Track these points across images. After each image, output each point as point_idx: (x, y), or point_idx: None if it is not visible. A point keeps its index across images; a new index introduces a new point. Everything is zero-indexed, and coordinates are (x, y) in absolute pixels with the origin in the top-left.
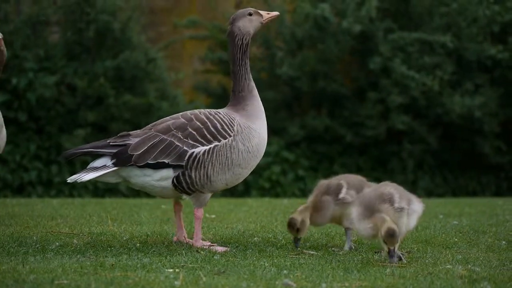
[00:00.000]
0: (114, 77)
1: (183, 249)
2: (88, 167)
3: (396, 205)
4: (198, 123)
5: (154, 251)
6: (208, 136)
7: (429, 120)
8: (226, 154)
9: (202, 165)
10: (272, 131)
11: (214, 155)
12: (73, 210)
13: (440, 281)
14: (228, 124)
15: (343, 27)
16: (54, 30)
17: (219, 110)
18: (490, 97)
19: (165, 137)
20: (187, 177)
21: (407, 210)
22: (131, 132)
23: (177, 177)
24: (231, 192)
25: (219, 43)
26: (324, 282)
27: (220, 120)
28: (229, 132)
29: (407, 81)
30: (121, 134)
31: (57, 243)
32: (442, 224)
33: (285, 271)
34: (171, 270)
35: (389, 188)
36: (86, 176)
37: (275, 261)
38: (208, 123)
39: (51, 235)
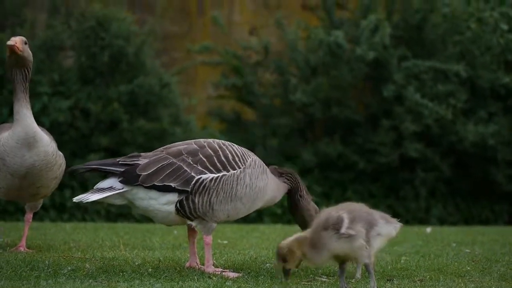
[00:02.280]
0: (128, 102)
1: (195, 275)
2: (95, 187)
3: (343, 230)
4: (210, 151)
5: (166, 276)
6: (218, 164)
7: (442, 148)
8: (232, 184)
9: (207, 192)
10: (285, 157)
11: (221, 184)
12: (85, 234)
13: None
14: (240, 156)
15: (357, 54)
16: (69, 54)
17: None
18: (503, 125)
19: (175, 160)
20: (190, 202)
21: (363, 234)
22: (141, 154)
23: (180, 201)
24: (244, 218)
25: (233, 68)
26: None
27: (233, 151)
28: (239, 164)
29: (421, 109)
30: (131, 154)
31: (69, 268)
32: (454, 252)
33: None
34: None
35: (341, 211)
36: (92, 197)
37: (291, 285)
38: (220, 152)
39: (63, 259)
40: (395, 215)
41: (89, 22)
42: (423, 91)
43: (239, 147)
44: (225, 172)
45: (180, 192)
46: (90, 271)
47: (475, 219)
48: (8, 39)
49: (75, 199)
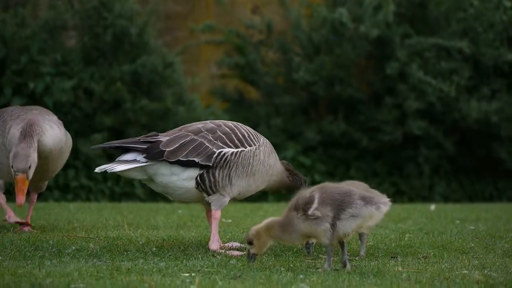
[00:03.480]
0: (131, 82)
1: (199, 254)
2: (118, 159)
3: (310, 212)
4: (227, 129)
5: (170, 255)
6: (236, 141)
7: (445, 125)
8: (249, 160)
9: (228, 165)
10: (289, 135)
11: (240, 158)
12: (89, 214)
13: (457, 287)
14: (254, 134)
15: (361, 32)
16: (71, 34)
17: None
18: (507, 102)
19: (196, 137)
20: (211, 175)
21: (329, 218)
22: (160, 133)
23: (201, 175)
24: (248, 197)
25: (236, 47)
26: (340, 287)
27: (247, 130)
28: (255, 141)
29: (424, 86)
30: (150, 134)
31: (74, 247)
32: (458, 229)
33: (301, 276)
34: (187, 274)
35: (315, 191)
36: (117, 167)
37: (291, 265)
38: (236, 130)
39: (68, 239)
40: (398, 192)
41: (91, 2)
42: (426, 69)
43: (249, 128)
44: (243, 148)
45: (201, 167)
46: (94, 250)
47: (478, 196)
48: (11, 19)
49: (97, 169)
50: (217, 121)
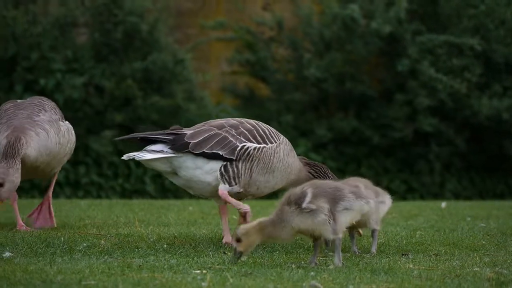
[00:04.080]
0: (142, 79)
1: (210, 251)
2: (145, 149)
3: (304, 205)
4: (249, 125)
5: (181, 252)
6: (258, 137)
7: (456, 122)
8: (270, 156)
9: (250, 159)
10: (299, 132)
11: (262, 154)
12: (100, 211)
13: (468, 284)
14: (274, 133)
15: (372, 28)
16: (82, 31)
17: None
18: None
19: (220, 131)
20: (234, 167)
21: (325, 209)
22: (183, 128)
23: (225, 166)
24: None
25: (246, 44)
26: (351, 284)
27: (268, 128)
28: (275, 139)
29: (435, 83)
30: (173, 127)
31: (85, 244)
32: (469, 226)
33: (312, 273)
34: (198, 271)
35: (306, 186)
36: (145, 156)
37: (302, 263)
38: (258, 127)
39: (79, 236)
40: (409, 189)
41: None
42: (437, 66)
43: (269, 126)
44: (264, 145)
45: (225, 160)
46: (106, 247)
47: (490, 193)
48: (22, 16)
49: (125, 156)
50: (238, 119)
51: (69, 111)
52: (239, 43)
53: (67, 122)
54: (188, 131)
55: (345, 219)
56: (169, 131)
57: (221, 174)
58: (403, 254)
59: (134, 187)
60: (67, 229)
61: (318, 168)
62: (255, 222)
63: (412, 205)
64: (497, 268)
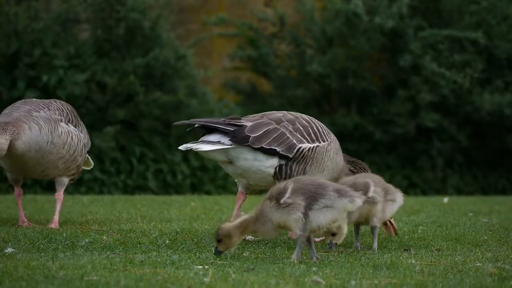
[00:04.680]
0: (144, 75)
1: (212, 246)
2: (202, 139)
3: (282, 200)
4: (304, 122)
5: (183, 248)
6: (313, 135)
7: (458, 118)
8: (322, 155)
9: (304, 161)
10: None
11: (315, 154)
12: (102, 207)
13: (470, 279)
14: (326, 130)
15: (375, 24)
16: (84, 27)
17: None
18: None
19: (278, 126)
20: (288, 168)
21: (301, 207)
22: (241, 117)
23: (280, 167)
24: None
25: (248, 40)
26: (354, 280)
27: (320, 125)
28: (327, 137)
29: (437, 78)
30: (232, 116)
31: (87, 240)
32: (471, 222)
33: (314, 268)
34: (201, 267)
35: (289, 182)
36: (203, 147)
37: (305, 258)
38: (312, 123)
39: (81, 231)
40: (411, 185)
41: None
42: (439, 61)
43: (320, 122)
44: (318, 143)
45: (281, 157)
46: (108, 243)
47: (492, 188)
48: (24, 12)
49: (182, 147)
50: (293, 113)
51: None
52: (241, 39)
53: (72, 126)
54: (247, 123)
55: (324, 217)
56: (228, 121)
57: (275, 173)
58: (405, 250)
59: (136, 183)
60: (69, 225)
61: (358, 165)
62: (237, 222)
63: (414, 200)
64: (499, 263)
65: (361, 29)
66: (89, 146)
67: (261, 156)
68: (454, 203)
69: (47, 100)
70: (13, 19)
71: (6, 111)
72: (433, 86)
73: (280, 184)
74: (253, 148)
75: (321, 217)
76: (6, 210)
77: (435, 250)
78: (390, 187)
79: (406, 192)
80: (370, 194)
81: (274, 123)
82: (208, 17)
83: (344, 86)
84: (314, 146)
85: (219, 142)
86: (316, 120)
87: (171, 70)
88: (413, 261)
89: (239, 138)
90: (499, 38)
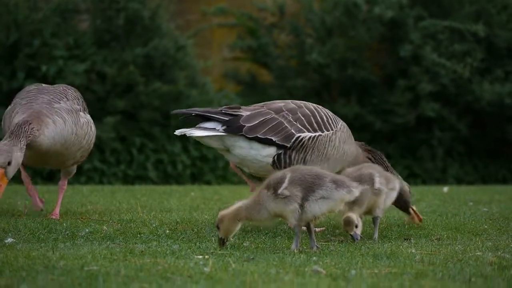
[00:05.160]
0: (144, 65)
1: (213, 236)
2: (198, 126)
3: (279, 191)
4: (307, 111)
5: (183, 237)
6: (315, 124)
7: (458, 107)
8: (325, 145)
9: (304, 150)
10: None
11: (317, 143)
12: (103, 197)
13: (470, 268)
14: (332, 119)
15: (375, 14)
16: (84, 18)
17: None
18: None
19: (276, 116)
20: (287, 157)
21: (298, 198)
22: (241, 106)
23: (278, 155)
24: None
25: (248, 30)
26: (354, 269)
27: (326, 113)
28: (333, 126)
29: (437, 68)
30: (232, 106)
31: (87, 230)
32: (472, 211)
33: (314, 258)
34: (201, 256)
35: (287, 172)
36: (196, 132)
37: (305, 248)
38: (316, 113)
39: (81, 222)
40: (412, 175)
41: None
42: (439, 51)
43: (329, 111)
44: (320, 133)
45: (278, 146)
46: (108, 233)
47: (492, 178)
48: (24, 3)
49: (177, 132)
50: (298, 102)
51: None
52: (241, 29)
53: (88, 115)
54: (245, 112)
55: (320, 208)
56: (225, 110)
57: (273, 162)
58: (405, 239)
59: (136, 173)
60: (69, 215)
61: (377, 155)
62: (232, 208)
63: (415, 190)
64: (499, 253)
65: (361, 19)
66: None
67: (256, 145)
68: (454, 192)
69: (60, 87)
70: (13, 10)
71: (22, 101)
72: (433, 76)
73: (278, 174)
74: (247, 138)
75: (316, 208)
76: (6, 200)
77: (435, 239)
78: (389, 175)
79: (406, 181)
80: (377, 185)
81: (273, 113)
82: (208, 7)
83: (344, 76)
84: (314, 135)
85: (214, 129)
86: (324, 109)
87: (171, 60)
88: (413, 251)
89: (234, 127)
90: (499, 28)
